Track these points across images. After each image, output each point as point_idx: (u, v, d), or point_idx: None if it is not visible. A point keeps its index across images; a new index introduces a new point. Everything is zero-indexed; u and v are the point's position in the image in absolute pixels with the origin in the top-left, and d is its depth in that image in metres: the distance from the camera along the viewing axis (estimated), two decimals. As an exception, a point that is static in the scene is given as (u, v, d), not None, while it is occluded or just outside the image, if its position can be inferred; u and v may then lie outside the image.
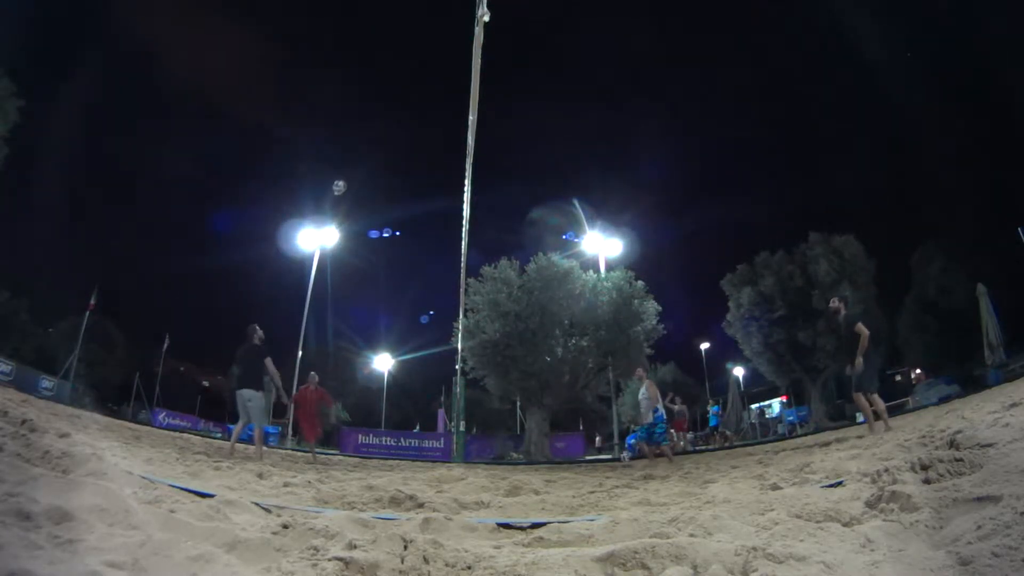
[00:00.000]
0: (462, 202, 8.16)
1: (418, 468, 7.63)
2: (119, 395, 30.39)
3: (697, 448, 16.94)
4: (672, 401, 16.48)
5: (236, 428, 7.42)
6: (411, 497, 3.11)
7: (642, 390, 7.92)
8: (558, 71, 62.21)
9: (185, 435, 11.79)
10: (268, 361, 7.27)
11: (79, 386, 21.90)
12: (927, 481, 1.72)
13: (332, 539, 1.63)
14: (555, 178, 58.96)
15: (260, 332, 7.42)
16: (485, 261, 18.10)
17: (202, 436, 13.81)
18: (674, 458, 7.90)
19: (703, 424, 25.58)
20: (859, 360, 6.70)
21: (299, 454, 11.63)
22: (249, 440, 8.40)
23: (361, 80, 59.64)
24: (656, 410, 7.69)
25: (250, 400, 7.03)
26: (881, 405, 6.78)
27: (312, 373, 9.57)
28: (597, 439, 30.04)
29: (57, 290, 28.20)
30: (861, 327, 6.82)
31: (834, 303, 7.39)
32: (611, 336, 16.83)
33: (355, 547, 1.49)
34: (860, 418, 18.35)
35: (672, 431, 16.92)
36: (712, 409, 22.66)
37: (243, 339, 7.43)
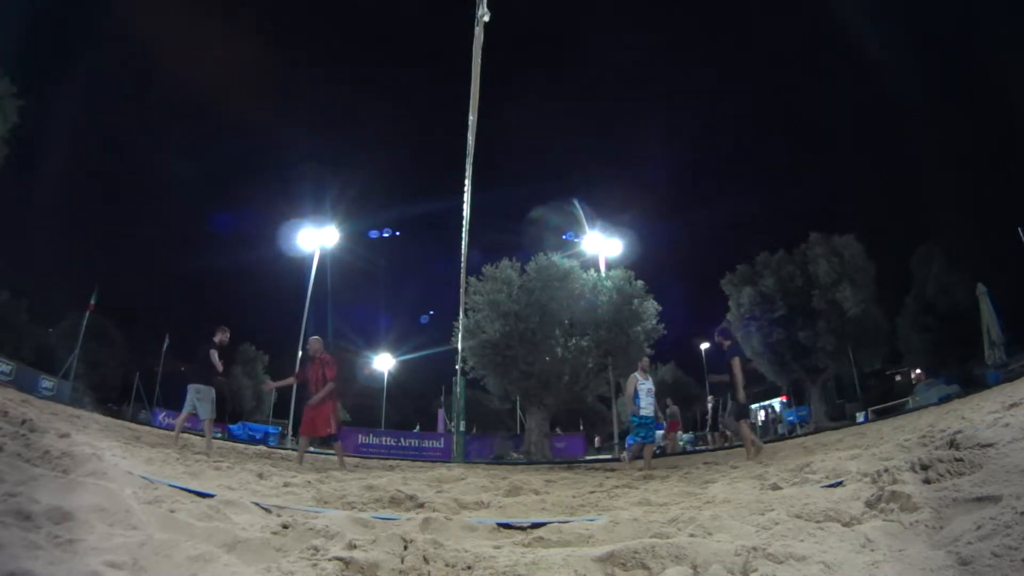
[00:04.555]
0: (462, 202, 8.18)
1: (418, 468, 7.62)
2: (119, 395, 30.37)
3: (697, 448, 16.94)
4: (666, 404, 16.50)
5: (180, 417, 8.11)
6: (411, 497, 3.11)
7: (648, 383, 7.70)
8: (558, 71, 62.32)
9: (185, 435, 11.76)
10: (211, 353, 7.73)
11: (79, 386, 21.88)
12: (927, 481, 1.72)
13: (332, 539, 1.63)
14: (555, 178, 58.98)
15: (220, 333, 7.90)
16: (485, 261, 18.13)
17: (202, 436, 13.76)
18: (653, 461, 7.92)
19: (702, 424, 25.58)
20: (742, 393, 7.24)
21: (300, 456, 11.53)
22: (250, 440, 8.50)
23: (362, 80, 59.68)
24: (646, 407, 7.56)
25: (198, 393, 7.69)
26: (749, 434, 7.45)
27: (314, 337, 7.47)
28: (597, 439, 30.05)
29: (57, 290, 28.22)
30: (736, 361, 7.20)
31: (719, 338, 7.64)
32: (611, 336, 16.84)
33: (355, 547, 1.49)
34: (860, 418, 18.36)
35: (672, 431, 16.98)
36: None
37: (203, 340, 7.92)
